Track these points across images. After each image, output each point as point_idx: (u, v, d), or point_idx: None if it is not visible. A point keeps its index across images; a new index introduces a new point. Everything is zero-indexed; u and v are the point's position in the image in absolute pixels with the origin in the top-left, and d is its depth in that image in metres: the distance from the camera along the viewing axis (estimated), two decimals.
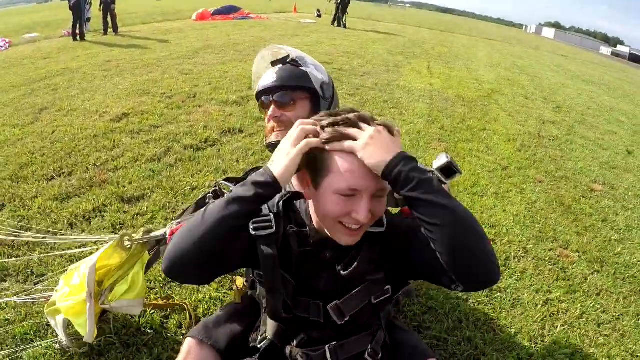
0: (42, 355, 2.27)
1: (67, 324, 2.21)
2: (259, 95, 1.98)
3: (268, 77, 1.93)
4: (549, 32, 79.12)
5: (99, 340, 2.34)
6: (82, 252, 2.81)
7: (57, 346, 2.29)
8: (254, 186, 1.32)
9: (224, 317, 1.78)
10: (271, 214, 1.49)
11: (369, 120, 1.35)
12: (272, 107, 1.90)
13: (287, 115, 1.88)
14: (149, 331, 2.47)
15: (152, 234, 2.29)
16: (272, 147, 1.95)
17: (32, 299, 2.56)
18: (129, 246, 2.23)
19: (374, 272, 1.51)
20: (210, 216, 1.33)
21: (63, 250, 3.00)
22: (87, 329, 2.11)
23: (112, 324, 2.46)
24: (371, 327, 1.60)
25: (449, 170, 1.36)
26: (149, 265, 2.40)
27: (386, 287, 1.58)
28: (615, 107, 11.20)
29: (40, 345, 2.31)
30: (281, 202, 1.55)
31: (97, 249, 2.30)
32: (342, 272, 1.46)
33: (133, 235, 2.27)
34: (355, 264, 1.45)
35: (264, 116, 1.99)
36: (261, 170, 1.38)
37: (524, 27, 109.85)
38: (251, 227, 1.43)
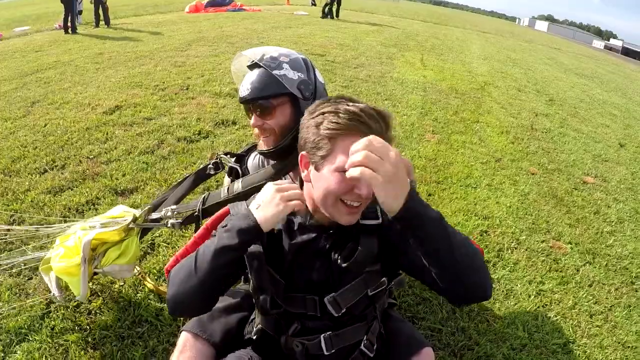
0: (36, 350, 2.27)
1: (61, 283, 2.29)
2: (241, 102, 1.96)
3: (243, 86, 1.90)
4: (542, 25, 79.20)
5: (94, 333, 2.35)
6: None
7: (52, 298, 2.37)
8: (238, 235, 1.38)
9: (219, 310, 1.78)
10: None
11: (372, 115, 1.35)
12: (254, 116, 1.90)
13: (269, 123, 1.88)
14: (144, 323, 2.47)
15: (154, 216, 2.32)
16: (264, 154, 1.96)
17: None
18: (131, 227, 2.29)
19: (372, 263, 1.52)
20: (202, 267, 1.40)
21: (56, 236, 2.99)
22: (80, 290, 2.19)
23: (106, 315, 2.47)
24: (366, 318, 1.60)
25: None
26: (143, 233, 2.45)
27: (382, 279, 1.59)
28: (607, 100, 11.24)
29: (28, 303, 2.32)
30: None
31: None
32: (342, 265, 1.45)
33: (137, 215, 2.30)
34: (356, 255, 1.44)
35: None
36: (245, 212, 1.44)
37: (517, 20, 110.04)
38: None
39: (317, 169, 1.40)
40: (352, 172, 1.19)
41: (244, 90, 1.88)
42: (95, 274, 2.36)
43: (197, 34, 13.25)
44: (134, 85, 7.25)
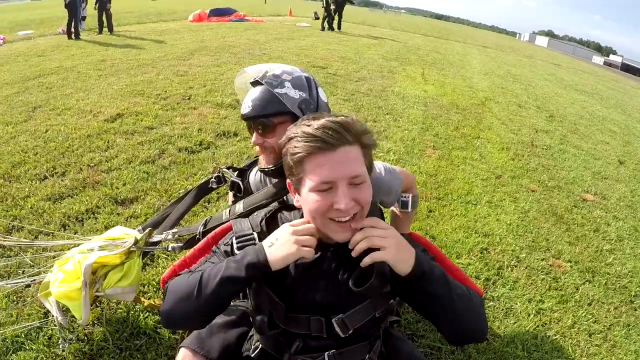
0: (33, 359, 2.26)
1: (62, 306, 2.27)
2: (243, 119, 1.95)
3: (245, 104, 1.89)
4: (542, 41, 79.40)
5: (92, 344, 2.33)
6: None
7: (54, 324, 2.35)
8: (246, 269, 1.38)
9: (217, 326, 1.76)
10: (254, 232, 1.55)
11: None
12: (255, 133, 1.89)
13: (269, 141, 1.87)
14: (142, 336, 2.46)
15: (155, 239, 2.32)
16: (265, 172, 1.95)
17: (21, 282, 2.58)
18: (133, 250, 2.28)
19: (384, 287, 1.50)
20: (204, 292, 1.41)
21: (55, 251, 2.98)
22: (82, 314, 2.16)
23: (105, 327, 2.45)
24: (370, 337, 1.59)
25: None
26: (145, 254, 2.44)
27: (390, 301, 1.60)
28: (607, 117, 11.27)
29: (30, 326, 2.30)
30: (263, 221, 1.60)
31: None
32: (355, 289, 1.42)
33: (137, 238, 2.29)
34: (372, 280, 1.41)
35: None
36: (257, 247, 1.43)
37: (517, 35, 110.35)
38: (235, 246, 1.52)
39: (299, 193, 1.43)
40: (365, 261, 1.35)
41: (246, 107, 1.87)
42: (97, 297, 2.35)
43: (199, 43, 13.30)
44: (135, 94, 7.27)
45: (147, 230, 2.35)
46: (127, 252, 2.26)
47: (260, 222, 1.60)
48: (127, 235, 2.38)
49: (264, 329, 1.50)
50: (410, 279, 1.36)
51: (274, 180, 1.98)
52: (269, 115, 1.83)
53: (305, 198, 1.39)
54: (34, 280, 2.60)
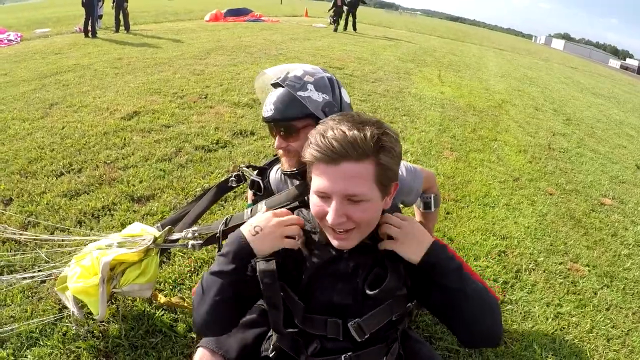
0: (47, 355, 2.26)
1: (79, 302, 2.27)
2: (264, 122, 1.89)
3: (267, 106, 1.83)
4: (558, 44, 78.99)
5: (107, 341, 2.33)
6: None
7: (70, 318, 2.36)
8: (233, 259, 1.43)
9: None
10: None
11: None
12: (277, 137, 1.85)
13: (292, 145, 1.82)
14: (158, 334, 2.45)
15: (175, 237, 2.31)
16: (288, 175, 1.92)
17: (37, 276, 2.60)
18: (151, 248, 2.28)
19: (399, 289, 1.50)
20: (208, 292, 1.44)
21: (71, 247, 2.98)
22: (99, 309, 2.17)
23: (120, 324, 2.44)
24: (387, 339, 1.57)
25: None
26: (162, 252, 2.44)
27: (408, 305, 1.57)
28: (624, 121, 11.16)
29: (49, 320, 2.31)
30: None
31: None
32: (369, 292, 1.43)
33: (156, 236, 2.29)
34: (386, 283, 1.42)
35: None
36: (237, 235, 1.48)
37: (533, 38, 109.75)
38: None
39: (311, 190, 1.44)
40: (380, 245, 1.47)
41: (268, 110, 1.81)
42: (113, 293, 2.35)
43: (216, 42, 13.35)
44: (152, 92, 7.30)
45: (166, 228, 2.34)
46: (145, 250, 2.26)
47: None
48: (146, 232, 2.38)
49: (279, 326, 1.49)
50: (423, 269, 1.41)
51: (296, 182, 1.95)
52: (292, 119, 1.79)
53: (311, 198, 1.42)
54: (50, 275, 2.60)
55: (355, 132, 1.29)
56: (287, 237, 1.47)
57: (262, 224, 1.46)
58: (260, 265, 1.43)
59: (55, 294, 2.52)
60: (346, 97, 1.92)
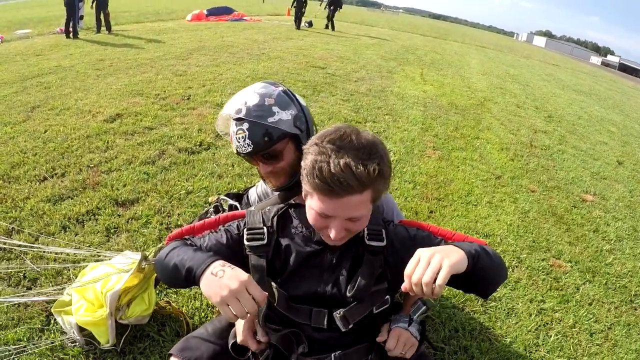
0: None
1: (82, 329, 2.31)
2: (243, 156, 1.85)
3: (240, 142, 1.77)
4: (540, 41, 79.64)
5: (95, 348, 2.33)
6: (76, 256, 2.80)
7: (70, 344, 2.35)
8: (187, 271, 1.42)
9: (207, 333, 1.80)
10: (265, 227, 1.61)
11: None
12: (261, 164, 1.84)
13: (278, 165, 1.82)
14: (146, 339, 2.45)
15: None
16: (282, 190, 1.90)
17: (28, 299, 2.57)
18: (144, 267, 2.33)
19: (375, 284, 1.56)
20: (168, 265, 1.50)
21: (56, 254, 2.96)
22: (108, 339, 2.26)
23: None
24: (372, 334, 1.63)
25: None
26: (157, 281, 2.48)
27: (386, 297, 1.62)
28: (605, 117, 11.31)
29: (46, 345, 2.30)
30: (275, 217, 1.65)
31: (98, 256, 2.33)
32: (347, 294, 1.52)
33: (148, 256, 2.35)
34: (357, 281, 1.51)
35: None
36: (203, 260, 1.41)
37: (515, 35, 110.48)
38: (245, 236, 1.60)
39: (305, 197, 1.49)
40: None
41: (244, 146, 1.76)
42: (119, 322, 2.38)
43: (198, 42, 13.29)
44: (135, 94, 7.24)
45: (158, 246, 2.40)
46: (139, 268, 2.31)
47: (273, 217, 1.65)
48: (133, 258, 2.45)
49: (261, 321, 1.58)
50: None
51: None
52: (271, 145, 1.77)
53: (308, 209, 1.48)
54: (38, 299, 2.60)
55: (361, 168, 1.32)
56: (237, 299, 1.28)
57: (228, 274, 1.33)
58: (252, 261, 1.52)
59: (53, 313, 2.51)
60: (302, 101, 1.92)
